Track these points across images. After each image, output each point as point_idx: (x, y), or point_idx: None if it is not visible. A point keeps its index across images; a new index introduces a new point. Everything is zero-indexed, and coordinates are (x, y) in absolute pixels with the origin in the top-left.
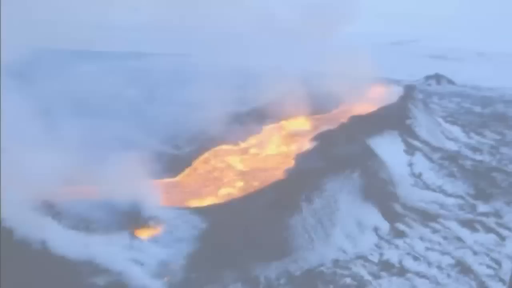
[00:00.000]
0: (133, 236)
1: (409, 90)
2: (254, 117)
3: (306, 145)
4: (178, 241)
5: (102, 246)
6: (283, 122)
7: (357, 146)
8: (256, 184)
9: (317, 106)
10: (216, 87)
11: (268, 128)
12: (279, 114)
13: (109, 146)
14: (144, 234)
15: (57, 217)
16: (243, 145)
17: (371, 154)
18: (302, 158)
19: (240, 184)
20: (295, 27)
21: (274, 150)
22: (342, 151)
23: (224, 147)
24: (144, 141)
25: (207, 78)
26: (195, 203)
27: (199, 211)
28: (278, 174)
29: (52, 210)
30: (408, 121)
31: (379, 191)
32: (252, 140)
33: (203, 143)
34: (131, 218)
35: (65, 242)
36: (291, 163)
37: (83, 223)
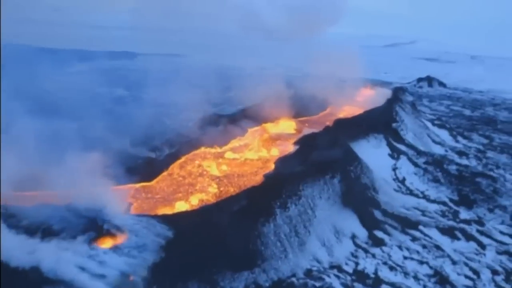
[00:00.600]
0: (92, 245)
1: (398, 93)
2: (238, 119)
3: (288, 149)
4: (141, 251)
5: (52, 254)
6: (267, 125)
7: (340, 150)
8: (231, 190)
9: (305, 108)
10: (200, 88)
11: (252, 131)
12: (264, 116)
13: (72, 148)
14: (104, 243)
15: (8, 222)
16: (224, 148)
17: (354, 159)
18: (282, 162)
19: (214, 190)
20: (282, 27)
21: (254, 154)
22: (324, 156)
23: (204, 150)
24: (117, 144)
25: (191, 79)
26: (163, 210)
27: (165, 219)
28: (257, 180)
29: (3, 214)
30: (394, 125)
31: (359, 197)
32: (234, 143)
33: (182, 147)
34: (92, 225)
35: (10, 248)
36: (271, 168)
37: (37, 230)
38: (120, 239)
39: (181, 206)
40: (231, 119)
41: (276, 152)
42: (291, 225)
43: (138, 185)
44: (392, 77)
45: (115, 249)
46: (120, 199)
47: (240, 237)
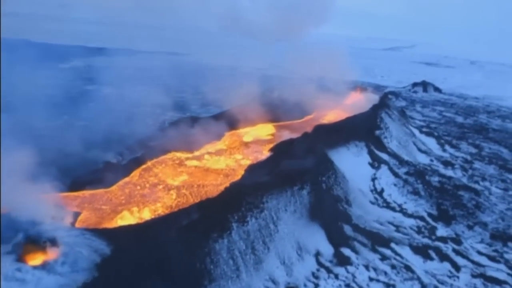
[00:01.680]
0: (16, 261)
1: (385, 98)
2: (216, 122)
3: (261, 156)
4: (74, 269)
5: None
6: (244, 130)
7: (314, 159)
8: (190, 201)
9: (289, 112)
10: (175, 89)
11: (228, 135)
12: (244, 119)
13: (8, 149)
14: (31, 259)
15: None
16: (193, 154)
17: (329, 168)
18: (250, 171)
19: (170, 201)
20: (269, 27)
21: (222, 162)
22: (296, 164)
23: (170, 156)
24: (72, 146)
25: (167, 79)
26: (109, 223)
27: (106, 232)
28: (220, 190)
29: None
30: (377, 132)
31: (330, 210)
32: (204, 150)
33: (149, 151)
34: (19, 238)
35: None
36: (238, 177)
37: None
38: (50, 255)
39: (128, 219)
40: (209, 122)
41: (246, 160)
42: (248, 241)
43: (87, 193)
44: (388, 80)
45: (43, 266)
46: (62, 209)
47: (187, 254)
